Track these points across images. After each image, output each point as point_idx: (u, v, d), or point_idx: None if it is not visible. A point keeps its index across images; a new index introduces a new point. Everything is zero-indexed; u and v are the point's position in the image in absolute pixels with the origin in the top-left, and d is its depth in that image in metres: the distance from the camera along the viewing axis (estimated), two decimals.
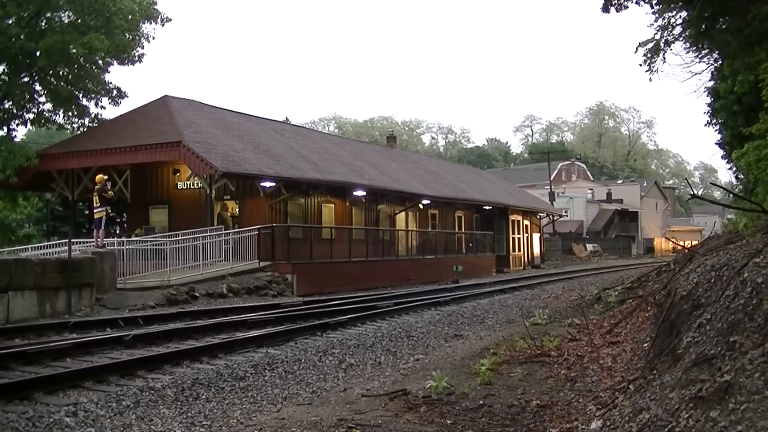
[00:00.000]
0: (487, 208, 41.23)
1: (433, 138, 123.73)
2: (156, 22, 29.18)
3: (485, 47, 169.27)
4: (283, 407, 7.25)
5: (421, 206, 34.71)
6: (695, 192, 72.33)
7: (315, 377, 9.02)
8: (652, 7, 13.23)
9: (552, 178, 70.75)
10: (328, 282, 24.04)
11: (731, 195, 16.23)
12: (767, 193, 13.25)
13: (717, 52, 14.66)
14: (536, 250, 48.25)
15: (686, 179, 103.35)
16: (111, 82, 30.00)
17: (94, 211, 20.12)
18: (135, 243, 21.57)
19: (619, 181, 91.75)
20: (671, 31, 13.56)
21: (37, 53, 26.33)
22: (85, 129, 29.87)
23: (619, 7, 12.55)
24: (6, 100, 28.09)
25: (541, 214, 50.50)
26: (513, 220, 44.10)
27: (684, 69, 15.56)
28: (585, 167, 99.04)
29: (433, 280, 29.37)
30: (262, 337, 11.80)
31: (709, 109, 24.20)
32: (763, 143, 12.61)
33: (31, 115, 29.31)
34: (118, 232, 27.99)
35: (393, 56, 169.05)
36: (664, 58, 13.89)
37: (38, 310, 14.99)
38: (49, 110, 29.60)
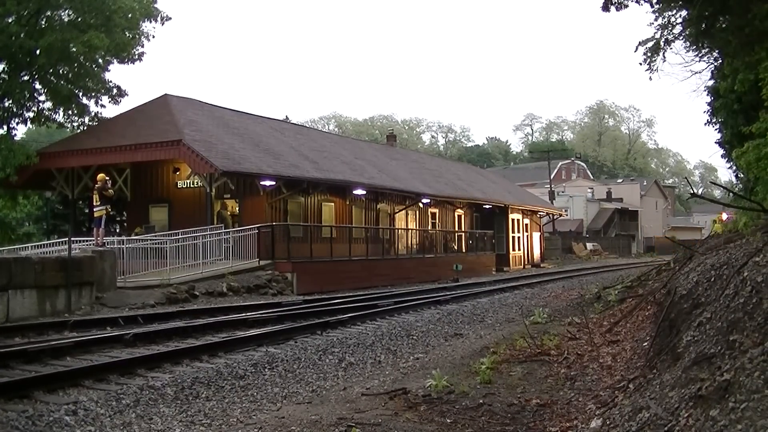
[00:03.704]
0: (487, 206, 41.22)
1: (433, 137, 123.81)
2: (156, 21, 29.17)
3: (485, 46, 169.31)
4: (283, 406, 7.25)
5: (421, 205, 34.72)
6: (695, 191, 72.51)
7: (315, 376, 9.02)
8: (652, 6, 13.23)
9: (552, 176, 70.79)
10: (328, 281, 24.05)
11: (731, 194, 16.24)
12: (767, 192, 13.26)
13: (717, 51, 14.67)
14: (536, 249, 48.22)
15: (686, 178, 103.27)
16: (111, 81, 30.06)
17: (94, 209, 20.11)
18: (135, 242, 21.57)
19: (619, 180, 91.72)
20: (671, 30, 13.57)
21: (37, 52, 26.32)
22: (85, 127, 29.86)
23: (619, 6, 12.55)
24: (6, 99, 28.09)
25: (541, 213, 50.49)
26: (513, 219, 44.09)
27: (684, 68, 15.60)
28: (585, 166, 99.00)
29: (433, 279, 29.36)
30: (262, 336, 11.80)
31: (709, 108, 24.20)
32: (763, 142, 12.61)
33: (31, 114, 29.31)
34: (118, 230, 28.01)
35: (393, 55, 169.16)
36: (664, 57, 13.92)
37: (38, 309, 14.98)
38: (49, 109, 29.60)
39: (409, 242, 32.93)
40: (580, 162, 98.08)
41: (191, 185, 26.30)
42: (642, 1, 12.85)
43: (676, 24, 13.49)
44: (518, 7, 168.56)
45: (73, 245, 17.16)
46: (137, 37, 28.99)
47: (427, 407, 6.58)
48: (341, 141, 42.11)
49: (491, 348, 9.84)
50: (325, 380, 8.76)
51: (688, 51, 15.04)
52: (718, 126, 24.20)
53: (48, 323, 13.26)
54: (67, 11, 27.49)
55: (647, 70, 14.09)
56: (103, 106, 30.33)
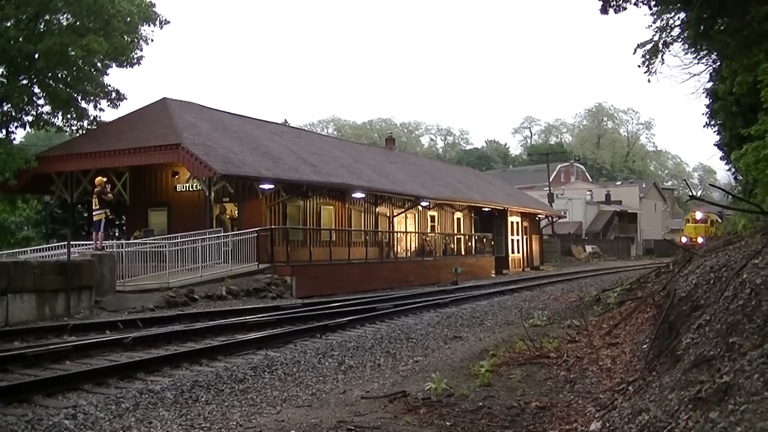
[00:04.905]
0: (486, 209, 41.24)
1: (432, 139, 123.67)
2: (154, 25, 29.21)
3: (484, 49, 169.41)
4: (282, 409, 7.24)
5: (420, 208, 34.72)
6: (694, 193, 72.42)
7: (314, 379, 9.02)
8: (650, 8, 13.24)
9: (551, 179, 70.74)
10: (328, 284, 24.04)
11: (730, 196, 16.26)
12: (766, 194, 13.30)
13: (716, 53, 14.69)
14: (535, 252, 48.22)
15: (685, 180, 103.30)
16: (110, 85, 30.03)
17: (93, 213, 20.11)
18: (134, 245, 21.55)
19: (618, 183, 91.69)
20: (670, 33, 13.57)
21: (36, 56, 26.33)
22: (84, 131, 29.85)
23: (618, 9, 12.56)
24: (4, 103, 28.06)
25: (540, 216, 50.49)
26: (512, 222, 44.10)
27: (683, 70, 15.60)
28: (584, 168, 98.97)
29: (432, 282, 29.37)
30: (262, 339, 11.80)
31: (707, 110, 24.28)
32: (762, 144, 12.65)
33: (30, 118, 29.28)
34: (117, 234, 27.98)
35: (392, 58, 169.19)
36: (663, 59, 13.90)
37: (37, 313, 14.97)
38: (47, 113, 29.58)
39: (408, 245, 32.93)
40: (578, 164, 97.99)
41: (190, 189, 26.27)
42: (640, 4, 12.86)
43: (675, 26, 13.50)
44: (517, 10, 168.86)
45: (72, 249, 17.14)
46: (136, 40, 29.03)
47: (426, 410, 6.58)
48: (340, 144, 42.12)
49: (490, 351, 9.84)
50: (324, 383, 8.75)
51: (686, 53, 15.05)
52: (716, 128, 24.28)
53: (47, 327, 13.25)
54: (65, 15, 27.51)
55: (646, 72, 14.08)
56: (101, 109, 30.47)
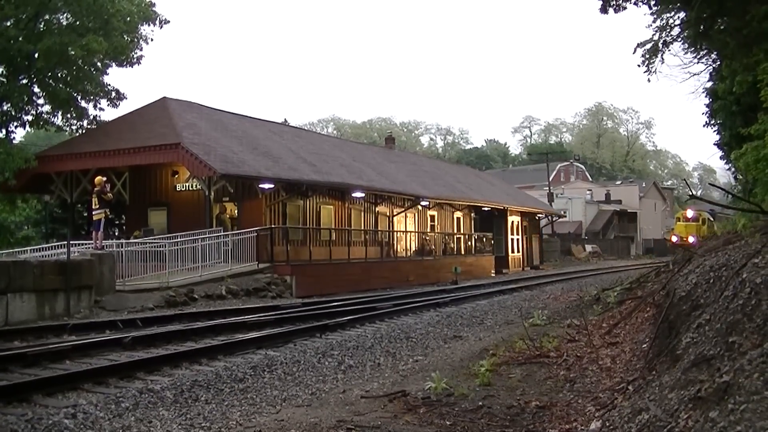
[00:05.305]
0: (486, 209, 41.24)
1: (431, 139, 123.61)
2: (154, 24, 29.24)
3: (484, 48, 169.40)
4: (282, 409, 7.24)
5: (419, 207, 34.73)
6: (694, 192, 72.37)
7: (314, 379, 9.02)
8: (650, 8, 13.27)
9: (551, 178, 70.74)
10: (327, 283, 24.04)
11: (730, 195, 16.26)
12: (766, 194, 13.30)
13: (715, 52, 14.72)
14: (535, 251, 48.22)
15: (685, 180, 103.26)
16: (109, 84, 30.07)
17: (93, 213, 20.11)
18: (134, 245, 21.55)
19: (618, 182, 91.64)
20: (670, 32, 13.60)
21: (36, 55, 26.35)
22: (84, 131, 29.87)
23: (618, 8, 12.60)
24: (4, 102, 28.08)
25: (540, 215, 50.49)
26: (512, 221, 44.10)
27: (682, 69, 15.63)
28: (584, 168, 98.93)
29: (431, 282, 29.37)
30: (261, 339, 11.80)
31: (707, 109, 24.29)
32: (762, 144, 12.65)
33: (30, 117, 29.30)
34: (117, 234, 27.97)
35: (391, 57, 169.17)
36: (663, 58, 13.93)
37: (37, 312, 14.97)
38: (47, 112, 29.61)
39: (408, 245, 32.95)
40: (578, 164, 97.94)
41: (190, 188, 26.27)
42: (640, 3, 12.90)
43: (675, 26, 13.52)
44: (517, 9, 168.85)
45: (72, 249, 17.14)
46: (135, 40, 29.04)
47: (426, 410, 6.58)
48: (340, 144, 42.13)
49: (490, 350, 9.84)
50: (324, 383, 8.75)
51: (686, 53, 15.09)
52: (716, 127, 24.30)
53: (47, 326, 13.25)
54: (65, 15, 27.53)
55: (646, 71, 14.11)
56: (101, 109, 30.47)
